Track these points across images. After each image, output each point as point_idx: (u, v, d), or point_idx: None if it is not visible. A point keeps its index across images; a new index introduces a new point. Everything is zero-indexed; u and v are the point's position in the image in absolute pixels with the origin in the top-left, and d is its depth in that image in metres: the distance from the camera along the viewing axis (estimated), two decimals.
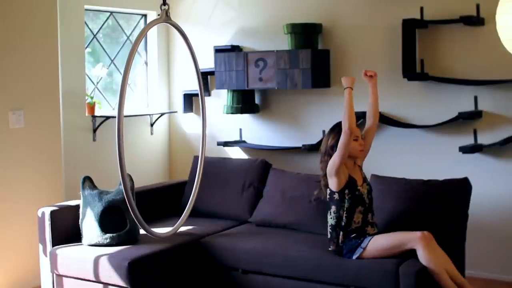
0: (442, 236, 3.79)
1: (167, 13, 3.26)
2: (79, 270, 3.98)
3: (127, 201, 3.08)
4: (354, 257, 3.75)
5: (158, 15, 3.29)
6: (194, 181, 4.91)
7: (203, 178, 4.84)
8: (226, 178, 4.90)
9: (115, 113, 5.59)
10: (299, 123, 5.54)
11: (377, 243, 3.72)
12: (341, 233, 3.82)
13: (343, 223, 3.81)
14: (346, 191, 3.81)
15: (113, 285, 3.88)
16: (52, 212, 4.15)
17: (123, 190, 3.06)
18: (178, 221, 3.65)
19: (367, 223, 3.85)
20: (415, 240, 3.60)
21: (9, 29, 4.55)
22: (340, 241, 3.82)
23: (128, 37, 5.93)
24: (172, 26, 3.42)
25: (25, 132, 4.66)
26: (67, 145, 5.14)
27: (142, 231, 4.21)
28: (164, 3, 3.23)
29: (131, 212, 3.12)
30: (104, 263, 3.88)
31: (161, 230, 3.59)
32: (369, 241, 3.74)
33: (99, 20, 5.72)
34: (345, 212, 3.80)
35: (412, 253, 3.70)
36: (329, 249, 3.88)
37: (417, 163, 4.93)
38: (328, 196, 3.90)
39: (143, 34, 3.15)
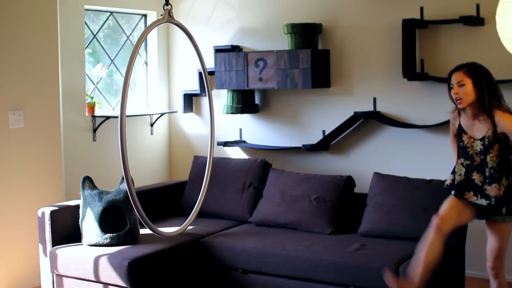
0: None
1: (169, 13, 3.27)
2: (79, 270, 3.98)
3: (132, 201, 3.07)
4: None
5: (161, 15, 3.30)
6: (194, 181, 4.96)
7: (203, 178, 4.87)
8: (226, 178, 4.91)
9: (115, 113, 5.60)
10: (299, 123, 5.53)
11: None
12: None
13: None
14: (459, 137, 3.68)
15: (113, 285, 3.88)
16: (52, 212, 4.16)
17: (128, 190, 3.03)
18: (186, 221, 3.61)
19: (471, 183, 3.51)
20: None
21: (9, 29, 4.55)
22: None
23: (128, 37, 5.92)
24: (176, 26, 3.43)
25: (25, 132, 4.66)
26: (67, 145, 5.14)
27: (142, 231, 4.22)
28: (167, 3, 3.24)
29: (136, 212, 3.11)
30: (104, 263, 3.88)
31: (163, 230, 3.58)
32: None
33: (99, 20, 5.71)
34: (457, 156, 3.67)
35: (411, 253, 3.70)
36: None
37: (417, 163, 4.93)
38: None
39: (145, 34, 3.15)
